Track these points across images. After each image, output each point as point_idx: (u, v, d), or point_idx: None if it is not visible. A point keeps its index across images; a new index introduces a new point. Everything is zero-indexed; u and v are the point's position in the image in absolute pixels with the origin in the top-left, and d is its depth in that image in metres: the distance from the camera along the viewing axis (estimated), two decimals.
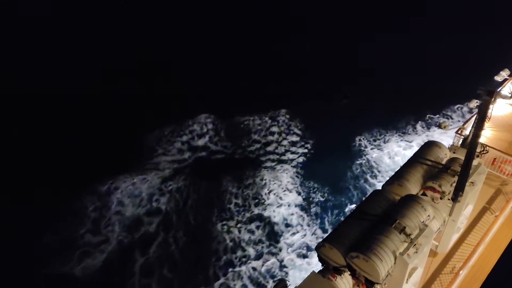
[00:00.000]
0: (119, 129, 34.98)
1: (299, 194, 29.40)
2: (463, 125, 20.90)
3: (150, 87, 41.12)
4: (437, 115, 37.19)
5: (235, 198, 29.01)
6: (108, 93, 39.56)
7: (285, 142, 34.38)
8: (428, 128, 35.72)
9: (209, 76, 42.26)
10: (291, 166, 31.92)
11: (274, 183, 30.13)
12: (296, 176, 31.07)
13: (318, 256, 12.43)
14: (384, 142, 34.33)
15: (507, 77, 23.89)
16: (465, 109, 37.16)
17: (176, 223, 27.43)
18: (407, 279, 12.37)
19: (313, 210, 28.22)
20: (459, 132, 19.97)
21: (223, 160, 32.69)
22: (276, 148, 33.81)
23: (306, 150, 33.56)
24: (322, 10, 55.03)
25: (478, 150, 15.72)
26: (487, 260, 16.30)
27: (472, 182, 14.95)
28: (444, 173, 14.41)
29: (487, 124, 18.90)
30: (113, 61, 44.10)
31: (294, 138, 34.80)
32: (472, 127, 15.60)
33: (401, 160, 31.74)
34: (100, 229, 26.89)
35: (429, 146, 15.76)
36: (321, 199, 28.96)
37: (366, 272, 11.44)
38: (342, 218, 26.36)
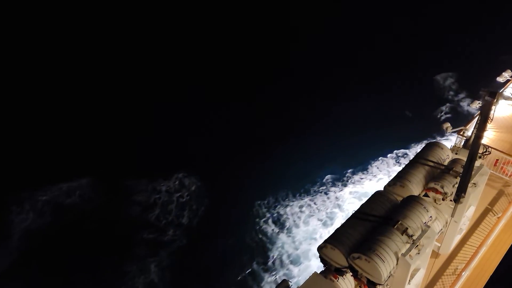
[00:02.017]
0: None
1: None
2: (465, 126, 20.88)
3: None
4: (364, 172, 30.55)
5: None
6: None
7: (170, 216, 26.59)
8: (341, 187, 28.77)
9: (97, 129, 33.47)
10: (167, 252, 24.36)
11: (139, 277, 22.85)
12: (170, 267, 23.56)
13: (319, 257, 12.44)
14: (287, 213, 27.12)
15: (510, 78, 23.90)
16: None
17: None
18: (409, 280, 12.36)
19: None
20: (461, 133, 19.96)
21: (84, 237, 24.93)
22: (158, 223, 26.16)
23: (192, 225, 26.34)
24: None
25: (480, 151, 15.72)
26: (489, 262, 16.26)
27: (474, 183, 14.93)
28: (446, 174, 14.40)
29: (489, 125, 18.94)
30: None
31: (183, 210, 27.09)
32: (474, 128, 15.61)
33: (305, 246, 25.42)
34: None
35: (431, 147, 15.75)
36: None
37: (368, 273, 11.43)
38: None
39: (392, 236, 11.70)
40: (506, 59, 41.14)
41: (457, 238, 16.53)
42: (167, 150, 31.87)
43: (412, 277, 12.56)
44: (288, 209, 27.71)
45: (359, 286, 12.49)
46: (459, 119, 35.31)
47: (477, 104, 19.08)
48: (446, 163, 15.38)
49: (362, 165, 31.38)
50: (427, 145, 16.11)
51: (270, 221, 27.05)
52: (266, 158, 30.89)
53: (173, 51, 44.31)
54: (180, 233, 25.85)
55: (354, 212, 13.14)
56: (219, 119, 35.42)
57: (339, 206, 28.17)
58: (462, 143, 18.62)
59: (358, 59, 43.25)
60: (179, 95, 37.70)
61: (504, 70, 23.33)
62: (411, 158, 15.66)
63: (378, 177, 30.39)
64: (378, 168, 31.25)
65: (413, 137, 33.74)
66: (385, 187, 14.54)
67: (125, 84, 38.71)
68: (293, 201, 28.29)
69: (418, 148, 32.42)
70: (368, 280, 11.59)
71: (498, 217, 17.66)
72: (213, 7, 52.55)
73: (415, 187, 14.11)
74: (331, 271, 12.23)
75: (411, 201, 12.79)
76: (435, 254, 15.77)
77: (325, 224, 26.89)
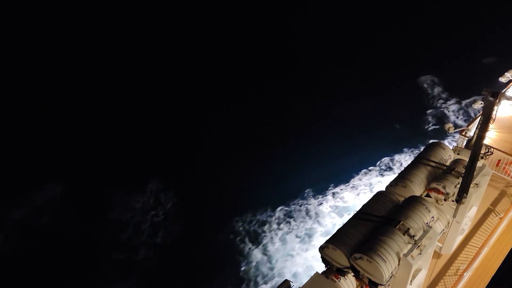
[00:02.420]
0: None
1: None
2: (468, 126, 20.85)
3: None
4: (346, 185, 28.61)
5: None
6: None
7: (143, 237, 25.16)
8: (321, 201, 27.29)
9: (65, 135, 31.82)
10: (138, 273, 23.10)
11: None
12: None
13: (321, 257, 12.43)
14: (265, 230, 25.78)
15: None
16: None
17: None
18: (411, 281, 12.34)
19: None
20: (463, 133, 19.92)
21: (54, 259, 23.55)
22: (130, 243, 24.74)
23: (166, 245, 24.93)
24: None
25: (482, 151, 15.67)
26: (491, 262, 16.23)
27: (477, 184, 14.90)
28: (448, 175, 14.37)
29: (491, 126, 18.90)
30: None
31: (157, 229, 25.62)
32: (476, 128, 15.59)
33: (281, 264, 24.41)
34: None
35: (433, 147, 15.72)
36: None
37: (369, 274, 11.42)
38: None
39: (394, 236, 11.69)
40: (490, 62, 40.74)
41: (459, 238, 16.49)
42: (143, 159, 30.47)
43: (413, 277, 12.54)
44: (266, 226, 26.49)
45: (361, 287, 12.47)
46: (443, 124, 34.24)
47: (479, 105, 19.02)
48: (448, 163, 15.35)
49: (344, 178, 29.84)
50: (429, 145, 16.08)
51: (247, 239, 25.79)
52: (244, 172, 29.34)
53: (156, 48, 43.43)
54: (152, 253, 24.81)
55: (356, 212, 13.13)
56: (202, 128, 33.55)
57: (318, 222, 26.91)
58: (464, 144, 18.57)
59: (358, 59, 42.56)
60: (158, 101, 35.76)
61: (506, 70, 23.26)
62: (413, 158, 15.63)
63: (359, 189, 29.14)
64: (360, 180, 29.83)
65: (398, 146, 32.44)
66: (387, 187, 14.52)
67: (102, 84, 37.26)
68: (271, 217, 27.01)
69: (402, 158, 31.57)
70: (370, 281, 11.57)
71: (500, 218, 17.63)
72: (213, 7, 52.31)
73: (417, 188, 14.08)
74: (332, 271, 12.21)
75: (413, 202, 12.77)
76: (437, 255, 15.74)
77: (303, 241, 25.75)
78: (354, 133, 32.81)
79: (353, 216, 13.02)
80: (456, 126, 31.30)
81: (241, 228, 26.32)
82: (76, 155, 30.40)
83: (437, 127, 34.93)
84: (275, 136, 32.62)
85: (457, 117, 35.99)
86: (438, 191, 14.09)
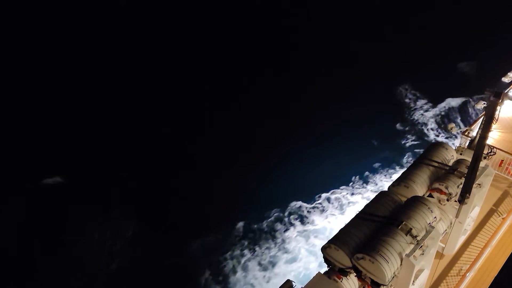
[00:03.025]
0: None
1: None
2: (470, 126, 20.79)
3: None
4: (315, 207, 27.36)
5: None
6: None
7: (100, 264, 23.74)
8: (288, 226, 26.14)
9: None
10: None
11: None
12: None
13: (323, 257, 12.43)
14: (227, 257, 24.58)
15: None
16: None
17: None
18: (413, 281, 12.33)
19: None
20: (466, 133, 19.87)
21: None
22: (86, 272, 23.33)
23: (122, 277, 23.42)
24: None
25: (485, 151, 15.64)
26: (494, 263, 16.20)
27: (479, 184, 14.88)
28: (450, 175, 14.34)
29: (494, 126, 18.83)
30: None
31: (113, 258, 24.14)
32: (479, 128, 15.53)
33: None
34: None
35: (436, 147, 15.68)
36: None
37: (372, 274, 11.41)
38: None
39: (396, 236, 11.67)
40: (464, 66, 40.29)
41: (462, 239, 16.47)
42: (105, 183, 28.61)
43: (416, 277, 12.52)
44: (228, 254, 24.90)
45: (363, 287, 12.46)
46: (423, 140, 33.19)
47: (482, 105, 18.96)
48: (450, 163, 15.32)
49: (313, 197, 28.23)
50: (431, 145, 16.04)
51: (207, 268, 24.18)
52: (207, 194, 27.68)
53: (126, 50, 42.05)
54: (108, 282, 23.40)
55: (358, 212, 13.11)
56: (163, 148, 31.56)
57: (285, 248, 25.52)
58: (467, 144, 18.54)
59: (335, 67, 40.34)
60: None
61: (509, 70, 23.16)
62: (416, 158, 15.61)
63: (328, 211, 27.69)
64: (329, 201, 28.20)
65: (373, 163, 30.82)
66: (389, 187, 14.50)
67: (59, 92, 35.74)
68: (235, 245, 25.39)
69: (377, 178, 30.24)
70: (372, 281, 11.56)
71: (503, 218, 17.60)
72: (204, 8, 50.87)
73: (419, 188, 14.05)
74: (334, 271, 12.20)
75: (416, 202, 12.75)
76: (439, 255, 15.69)
77: (265, 269, 24.38)
78: (327, 147, 31.04)
79: (355, 216, 13.00)
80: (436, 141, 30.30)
81: (202, 256, 24.80)
82: (33, 175, 28.60)
83: (415, 142, 33.39)
84: (240, 152, 30.84)
85: (438, 136, 34.24)
86: (440, 191, 14.06)
